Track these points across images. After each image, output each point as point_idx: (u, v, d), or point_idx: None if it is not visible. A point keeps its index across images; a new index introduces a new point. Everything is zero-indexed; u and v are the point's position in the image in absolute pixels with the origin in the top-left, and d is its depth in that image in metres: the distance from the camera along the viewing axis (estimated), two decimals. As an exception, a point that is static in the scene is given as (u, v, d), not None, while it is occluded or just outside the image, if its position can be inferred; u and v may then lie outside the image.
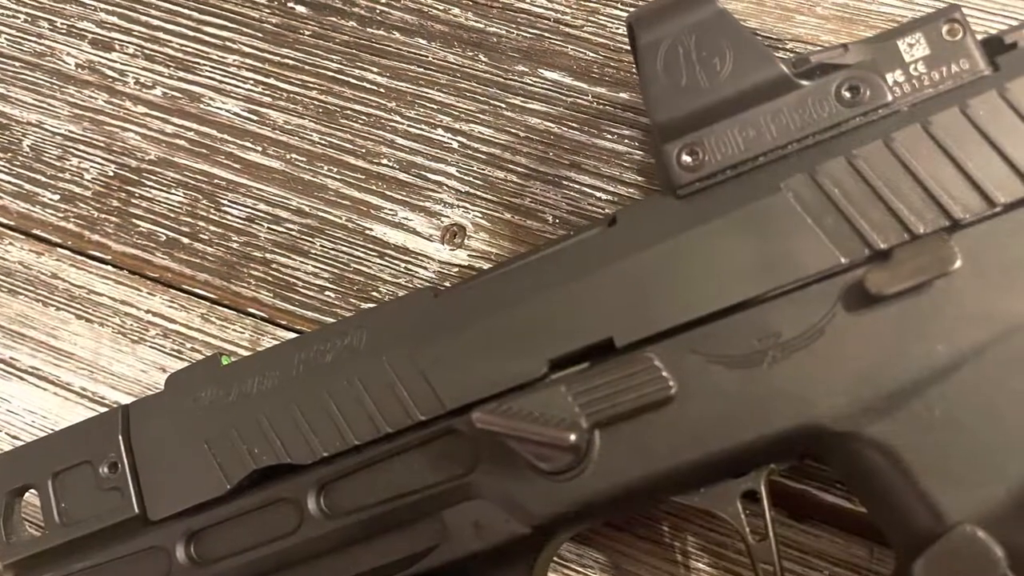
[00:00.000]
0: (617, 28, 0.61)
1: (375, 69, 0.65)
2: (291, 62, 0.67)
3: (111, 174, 0.68)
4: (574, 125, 0.61)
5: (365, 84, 0.65)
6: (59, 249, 0.68)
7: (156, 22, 0.70)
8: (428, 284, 0.61)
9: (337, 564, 0.49)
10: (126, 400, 0.62)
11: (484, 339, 0.48)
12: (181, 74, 0.69)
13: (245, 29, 0.68)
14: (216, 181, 0.66)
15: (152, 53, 0.70)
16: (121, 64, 0.70)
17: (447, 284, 0.59)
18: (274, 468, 0.50)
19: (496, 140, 0.62)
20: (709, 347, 0.44)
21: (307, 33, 0.67)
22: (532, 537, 0.47)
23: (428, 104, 0.63)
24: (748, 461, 0.45)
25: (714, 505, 0.46)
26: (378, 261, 0.62)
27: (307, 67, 0.66)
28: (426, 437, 0.48)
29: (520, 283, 0.48)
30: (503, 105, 0.62)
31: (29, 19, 0.73)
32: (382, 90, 0.65)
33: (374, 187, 0.63)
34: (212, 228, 0.66)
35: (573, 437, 0.44)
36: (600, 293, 0.46)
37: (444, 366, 0.48)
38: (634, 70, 0.59)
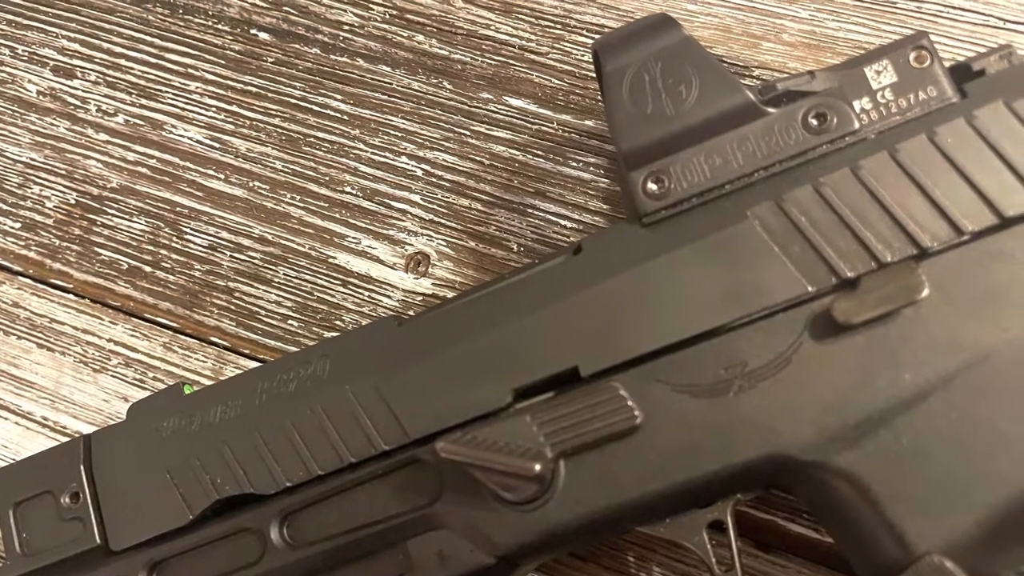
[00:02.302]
0: (582, 55, 0.61)
1: (339, 96, 0.65)
2: (254, 89, 0.66)
3: (73, 202, 0.67)
4: (539, 153, 0.60)
5: (328, 111, 0.65)
6: (20, 278, 0.67)
7: (118, 49, 0.69)
8: (392, 313, 0.60)
9: None
10: (88, 430, 0.61)
11: (448, 368, 0.47)
12: (143, 101, 0.68)
13: (207, 56, 0.68)
14: (178, 209, 0.65)
15: (114, 80, 0.69)
16: (83, 91, 0.69)
17: (411, 313, 0.59)
18: (237, 498, 0.49)
19: (461, 168, 0.62)
20: (675, 376, 0.44)
21: (270, 60, 0.67)
22: (496, 567, 0.46)
23: (392, 132, 0.63)
24: (714, 491, 0.45)
25: (680, 535, 0.46)
26: (341, 290, 0.61)
27: (270, 94, 0.66)
28: (390, 467, 0.47)
29: (484, 312, 0.48)
30: (468, 133, 0.62)
31: (-11, 46, 0.72)
32: (345, 117, 0.64)
33: (337, 215, 0.63)
34: (174, 256, 0.65)
35: (538, 467, 0.44)
36: (565, 322, 0.46)
37: (408, 395, 0.47)
38: (599, 97, 0.59)
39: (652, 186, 0.46)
